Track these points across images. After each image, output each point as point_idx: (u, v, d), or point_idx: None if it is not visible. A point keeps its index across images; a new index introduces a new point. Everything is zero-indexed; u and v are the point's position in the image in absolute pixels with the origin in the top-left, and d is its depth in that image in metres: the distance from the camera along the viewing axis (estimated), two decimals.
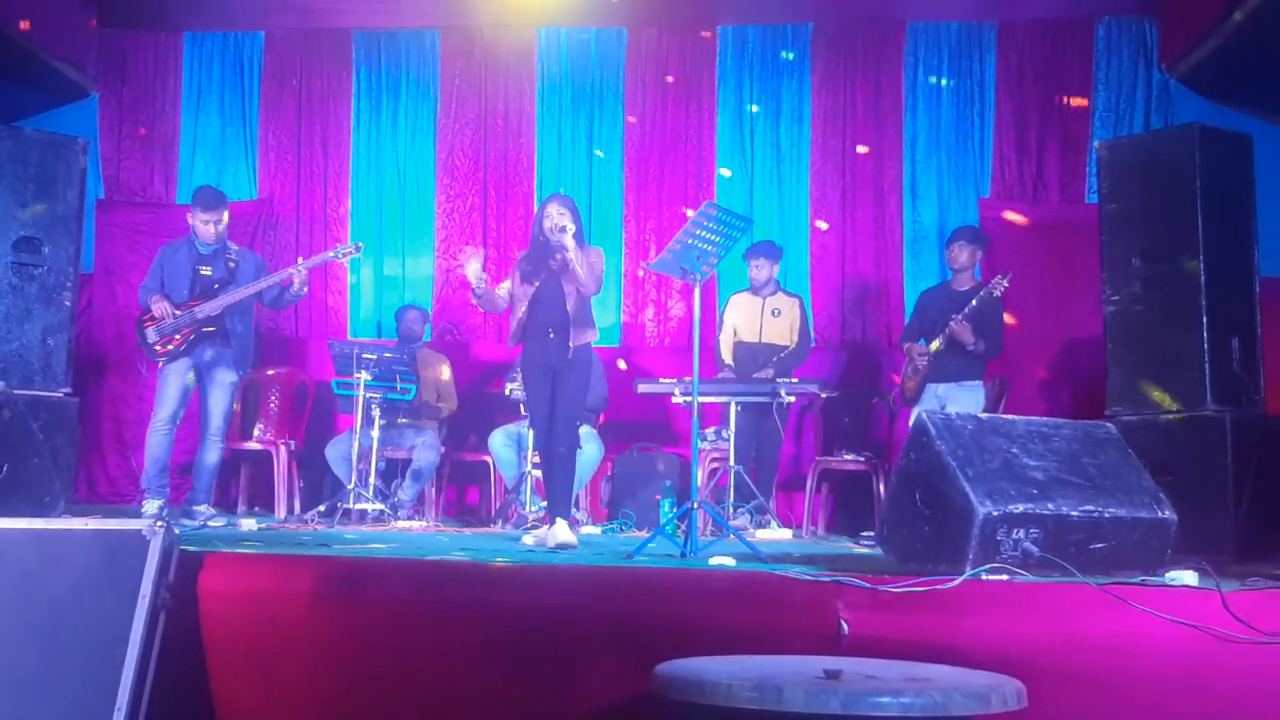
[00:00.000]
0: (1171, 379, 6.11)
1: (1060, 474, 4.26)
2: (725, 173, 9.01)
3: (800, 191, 8.97)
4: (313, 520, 7.12)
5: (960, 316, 7.09)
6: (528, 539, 5.91)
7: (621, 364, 8.59)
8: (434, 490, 7.99)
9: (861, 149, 8.90)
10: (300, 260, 7.13)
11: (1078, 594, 3.68)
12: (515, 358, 7.70)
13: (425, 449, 7.78)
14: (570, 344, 5.87)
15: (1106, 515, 4.18)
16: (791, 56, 9.06)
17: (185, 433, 7.28)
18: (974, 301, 7.11)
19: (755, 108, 9.06)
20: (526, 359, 6.02)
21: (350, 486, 7.23)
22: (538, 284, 5.91)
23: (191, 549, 3.96)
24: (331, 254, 7.35)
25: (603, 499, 8.01)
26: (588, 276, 5.90)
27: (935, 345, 7.19)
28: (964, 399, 7.13)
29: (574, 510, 7.29)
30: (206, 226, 6.93)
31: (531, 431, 6.16)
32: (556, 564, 4.52)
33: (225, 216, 7.05)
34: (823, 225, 8.92)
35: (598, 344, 8.81)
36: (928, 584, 3.70)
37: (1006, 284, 7.09)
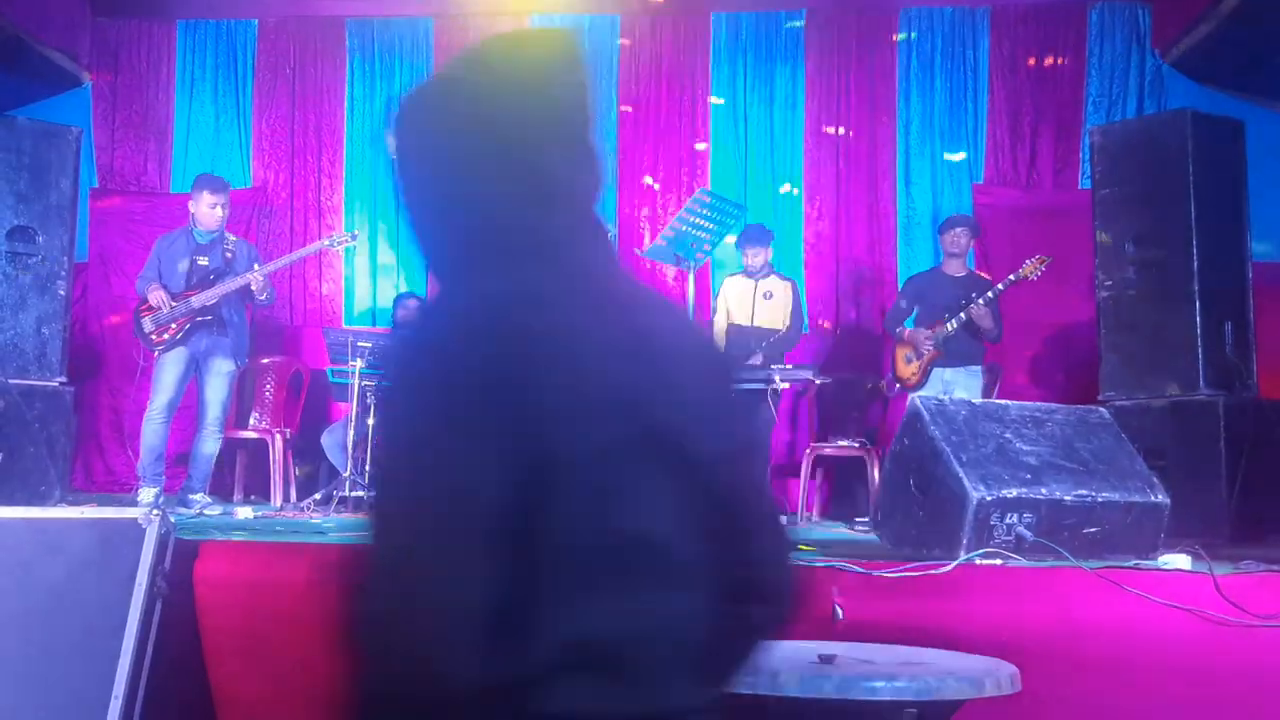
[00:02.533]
0: (1165, 364, 6.13)
1: (1053, 459, 4.27)
2: (789, 188, 8.99)
3: (794, 178, 8.97)
4: (309, 508, 7.12)
5: (984, 301, 7.14)
6: None
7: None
8: None
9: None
10: (257, 266, 6.96)
11: (1071, 578, 3.70)
12: None
13: None
14: None
15: (1100, 499, 4.19)
16: (789, 28, 9.05)
17: (182, 422, 7.28)
18: (1000, 286, 7.18)
19: (748, 94, 9.05)
20: None
21: (346, 474, 7.23)
22: None
23: (188, 537, 3.97)
24: (326, 242, 7.35)
25: None
26: None
27: (950, 328, 7.21)
28: (969, 383, 7.18)
29: None
30: (213, 210, 6.91)
31: None
32: None
33: (228, 203, 7.06)
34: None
35: None
36: (922, 569, 3.72)
37: (1043, 269, 7.09)
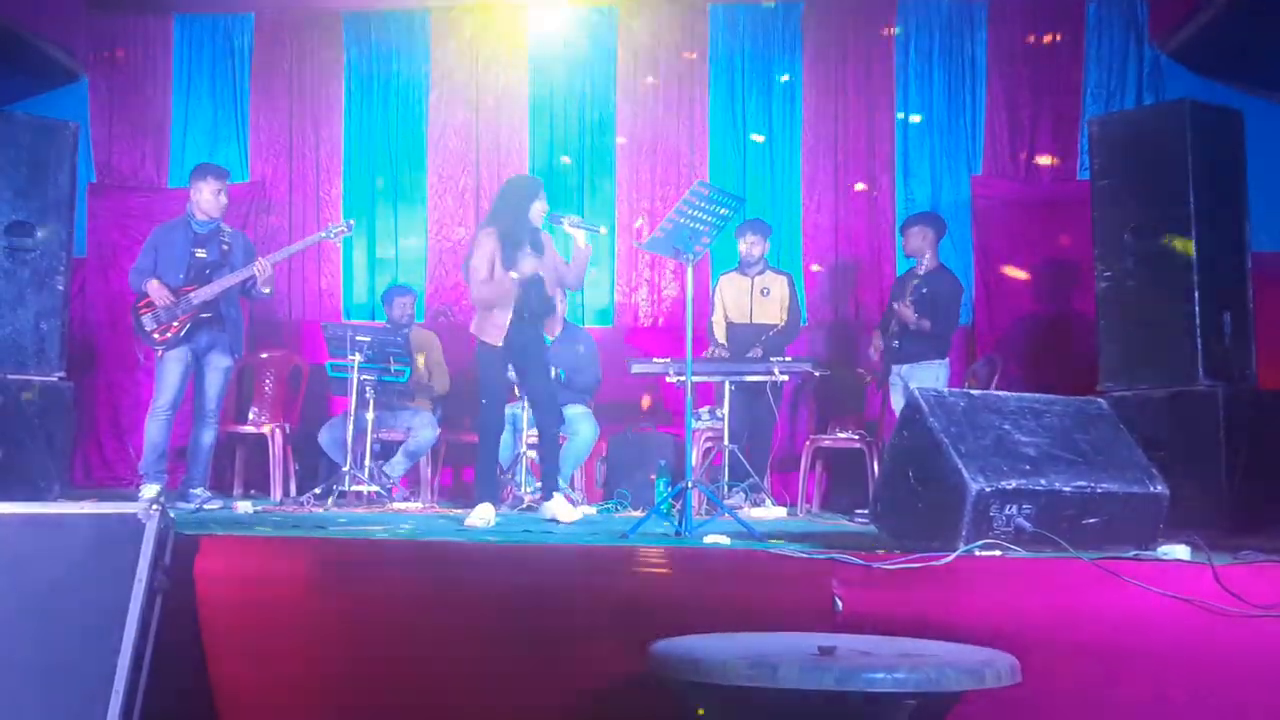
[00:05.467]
0: (1164, 354, 6.12)
1: (1052, 450, 4.27)
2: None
3: (793, 170, 8.96)
4: (308, 503, 7.12)
5: (907, 299, 7.23)
6: (469, 521, 5.80)
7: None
8: (429, 471, 8.00)
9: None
10: (261, 259, 6.93)
11: (1070, 569, 3.71)
12: None
13: (422, 428, 7.78)
14: (546, 332, 6.09)
15: (1099, 490, 4.20)
16: (787, 21, 9.03)
17: (181, 417, 7.28)
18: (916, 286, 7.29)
19: (746, 86, 9.04)
20: (506, 342, 6.14)
21: (346, 468, 7.23)
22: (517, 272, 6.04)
23: (187, 532, 3.97)
24: (324, 234, 7.35)
25: (598, 479, 8.01)
26: (582, 275, 6.26)
27: (893, 330, 7.33)
28: (924, 377, 7.13)
29: (570, 490, 7.31)
30: (217, 196, 6.92)
31: (484, 410, 6.40)
32: (552, 544, 4.54)
33: (227, 192, 7.07)
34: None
35: (592, 325, 8.81)
36: (921, 560, 3.73)
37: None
